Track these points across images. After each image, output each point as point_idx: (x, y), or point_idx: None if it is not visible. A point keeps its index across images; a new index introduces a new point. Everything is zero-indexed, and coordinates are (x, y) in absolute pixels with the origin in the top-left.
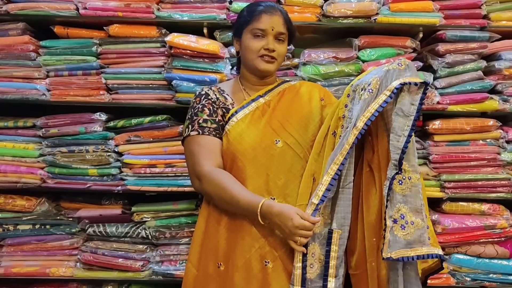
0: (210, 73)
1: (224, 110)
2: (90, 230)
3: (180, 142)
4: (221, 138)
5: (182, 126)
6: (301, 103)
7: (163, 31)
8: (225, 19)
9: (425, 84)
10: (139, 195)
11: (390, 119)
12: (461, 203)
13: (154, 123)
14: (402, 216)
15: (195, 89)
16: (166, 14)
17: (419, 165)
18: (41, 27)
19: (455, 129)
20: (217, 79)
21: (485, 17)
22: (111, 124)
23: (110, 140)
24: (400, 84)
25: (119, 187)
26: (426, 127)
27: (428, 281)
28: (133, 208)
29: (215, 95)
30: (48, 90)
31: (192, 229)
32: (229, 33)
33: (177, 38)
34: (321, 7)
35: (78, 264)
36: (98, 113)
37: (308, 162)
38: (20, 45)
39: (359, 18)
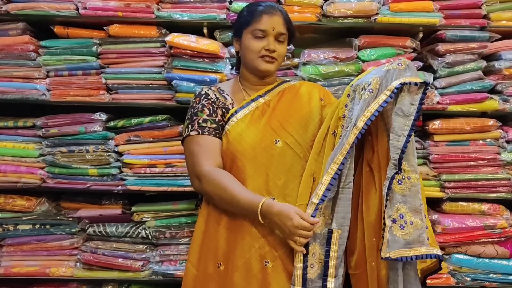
0: (210, 73)
1: (224, 110)
2: (90, 230)
3: (180, 142)
4: (221, 138)
5: (182, 126)
6: (300, 103)
7: (163, 31)
8: (225, 19)
9: (425, 84)
10: (139, 195)
11: (390, 119)
12: (461, 203)
13: (154, 123)
14: (401, 216)
15: (195, 89)
16: (166, 14)
17: (419, 165)
18: (41, 27)
19: (455, 129)
20: (217, 79)
21: (485, 17)
22: (111, 124)
23: (110, 140)
24: (400, 84)
25: (119, 187)
26: (426, 127)
27: (428, 281)
28: (133, 208)
29: (215, 95)
30: (48, 90)
31: (192, 229)
32: (229, 33)
33: (177, 38)
34: (321, 7)
35: (78, 264)
36: (98, 113)
37: (308, 162)
38: (20, 45)
39: (359, 18)
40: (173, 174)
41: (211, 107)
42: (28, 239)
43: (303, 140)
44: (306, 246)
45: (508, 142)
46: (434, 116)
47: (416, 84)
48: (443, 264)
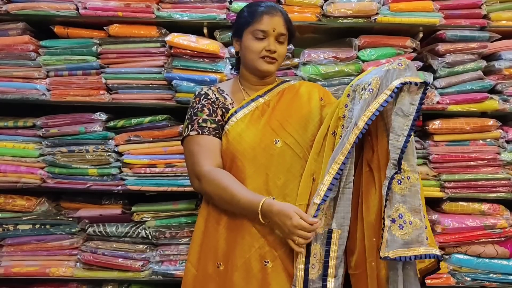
0: (210, 73)
1: (223, 110)
2: (90, 230)
3: (180, 142)
4: (220, 138)
5: (182, 126)
6: (300, 103)
7: (163, 31)
8: (225, 19)
9: (425, 84)
10: (139, 195)
11: (389, 119)
12: (461, 203)
13: (154, 123)
14: (400, 216)
15: (195, 89)
16: (166, 14)
17: (419, 165)
18: (41, 27)
19: (455, 129)
20: (217, 79)
21: (485, 17)
22: (111, 124)
23: (110, 140)
24: (401, 83)
25: (119, 187)
26: (426, 127)
27: (428, 281)
28: (133, 208)
29: (215, 95)
30: (48, 90)
31: (192, 229)
32: (229, 33)
33: (177, 38)
34: (321, 7)
35: (78, 264)
36: (98, 113)
37: (308, 162)
38: (20, 45)
39: (359, 18)
40: (173, 174)
41: (210, 107)
42: (28, 239)
43: (302, 140)
44: (308, 246)
45: (508, 142)
46: (434, 116)
47: (416, 84)
48: (443, 264)
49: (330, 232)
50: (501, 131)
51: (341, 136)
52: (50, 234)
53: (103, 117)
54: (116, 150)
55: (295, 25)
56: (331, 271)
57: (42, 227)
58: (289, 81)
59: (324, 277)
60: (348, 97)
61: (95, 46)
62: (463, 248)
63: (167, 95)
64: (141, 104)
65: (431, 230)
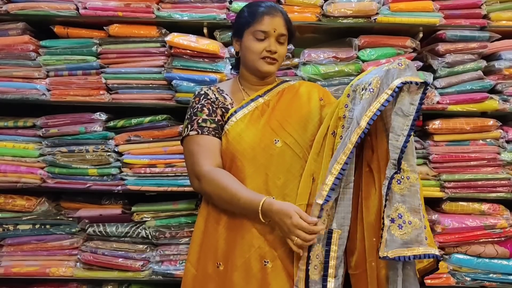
0: (210, 73)
1: (223, 110)
2: (90, 230)
3: (179, 142)
4: (220, 138)
5: (182, 126)
6: (300, 103)
7: (163, 31)
8: (225, 19)
9: (425, 84)
10: (139, 195)
11: (389, 119)
12: (461, 203)
13: (154, 123)
14: (399, 216)
15: (195, 89)
16: (166, 14)
17: (419, 165)
18: (41, 27)
19: (455, 129)
20: (217, 79)
21: (485, 17)
22: (111, 124)
23: (110, 140)
24: (402, 83)
25: (119, 187)
26: (426, 127)
27: (428, 281)
28: (133, 208)
29: (214, 95)
30: (48, 90)
31: (191, 229)
32: (229, 33)
33: (177, 38)
34: (321, 7)
35: (78, 264)
36: (98, 113)
37: (308, 162)
38: (20, 45)
39: (359, 18)
40: (173, 174)
41: (210, 107)
42: (28, 239)
43: (302, 140)
44: (310, 247)
45: (508, 142)
46: (434, 116)
47: (416, 84)
48: (442, 264)
49: (330, 232)
50: (501, 131)
51: (341, 136)
52: (50, 234)
53: (103, 117)
54: (116, 150)
55: (295, 25)
56: (331, 271)
57: (42, 227)
58: (289, 81)
59: (324, 277)
60: (348, 97)
61: (95, 46)
62: (463, 248)
63: (167, 95)
64: (141, 104)
65: (431, 230)
